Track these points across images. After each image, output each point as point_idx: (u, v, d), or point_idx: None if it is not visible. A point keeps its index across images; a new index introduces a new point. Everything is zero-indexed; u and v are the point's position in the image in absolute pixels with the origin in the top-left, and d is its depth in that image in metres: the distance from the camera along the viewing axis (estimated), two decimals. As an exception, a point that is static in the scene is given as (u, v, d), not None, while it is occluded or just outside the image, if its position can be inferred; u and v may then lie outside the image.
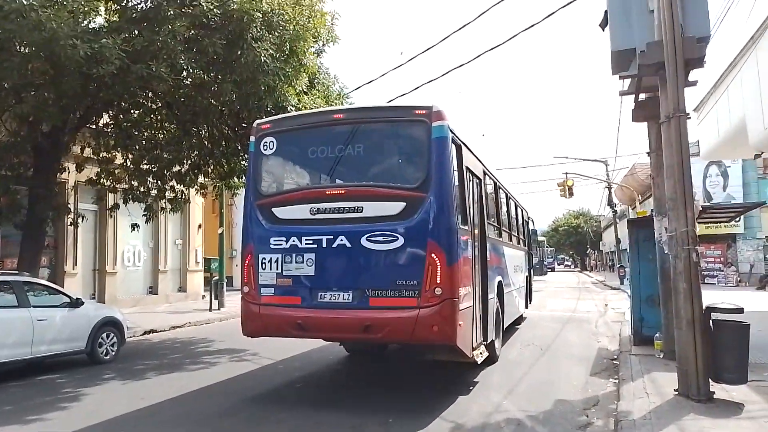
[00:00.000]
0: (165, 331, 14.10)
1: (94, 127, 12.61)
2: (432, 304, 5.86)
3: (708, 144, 17.12)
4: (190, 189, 15.16)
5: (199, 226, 22.35)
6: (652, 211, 8.96)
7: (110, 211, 15.87)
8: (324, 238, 6.24)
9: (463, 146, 6.93)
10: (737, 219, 24.13)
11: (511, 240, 11.47)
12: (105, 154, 12.83)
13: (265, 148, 6.76)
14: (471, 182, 7.53)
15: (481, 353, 7.30)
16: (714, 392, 5.96)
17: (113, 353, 9.63)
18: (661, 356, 8.35)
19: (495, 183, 9.95)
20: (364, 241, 6.09)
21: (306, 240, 6.31)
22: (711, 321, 6.09)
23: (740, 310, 6.03)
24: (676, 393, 6.16)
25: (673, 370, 6.83)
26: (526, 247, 14.67)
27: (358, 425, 5.57)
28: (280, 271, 6.41)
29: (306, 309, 6.27)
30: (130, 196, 13.64)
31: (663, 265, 8.16)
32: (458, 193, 6.63)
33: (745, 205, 12.89)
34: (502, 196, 11.03)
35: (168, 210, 15.06)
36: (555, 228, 75.90)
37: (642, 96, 8.66)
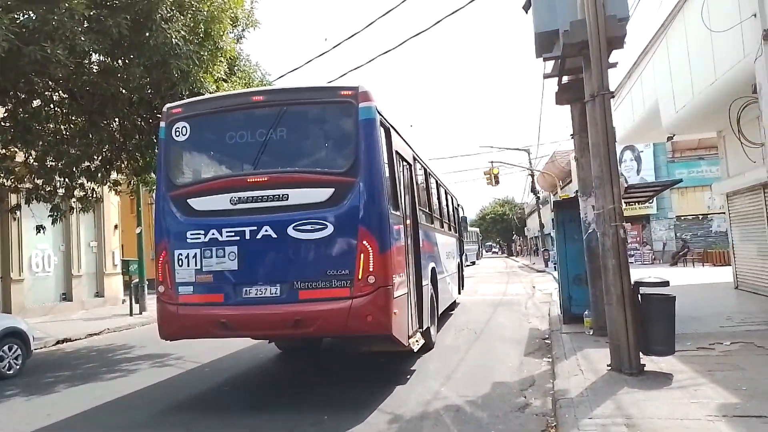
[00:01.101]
0: (80, 339, 13.07)
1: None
2: (365, 293, 5.61)
3: (624, 129, 17.87)
4: (103, 187, 14.12)
5: (116, 227, 21.00)
6: (576, 192, 9.13)
7: (11, 213, 14.53)
8: (247, 229, 5.82)
9: (392, 129, 6.70)
10: (651, 201, 25.55)
11: (442, 227, 11.43)
12: (3, 150, 11.65)
13: (177, 134, 6.23)
14: (401, 167, 7.32)
15: (417, 341, 7.14)
16: (644, 365, 6.08)
17: (17, 367, 8.72)
18: (591, 333, 8.52)
19: (425, 169, 9.82)
20: (290, 231, 5.73)
21: (227, 232, 5.86)
22: (639, 295, 6.20)
23: (666, 284, 6.18)
24: (609, 368, 6.24)
25: (603, 346, 6.95)
26: (457, 234, 14.74)
27: (292, 427, 5.23)
28: (199, 267, 5.93)
29: (230, 306, 5.84)
30: (34, 196, 12.49)
31: (590, 244, 8.32)
32: (389, 177, 6.40)
33: (663, 183, 13.58)
34: (433, 182, 10.93)
35: (78, 210, 13.94)
36: (482, 216, 77.98)
37: (565, 79, 8.77)
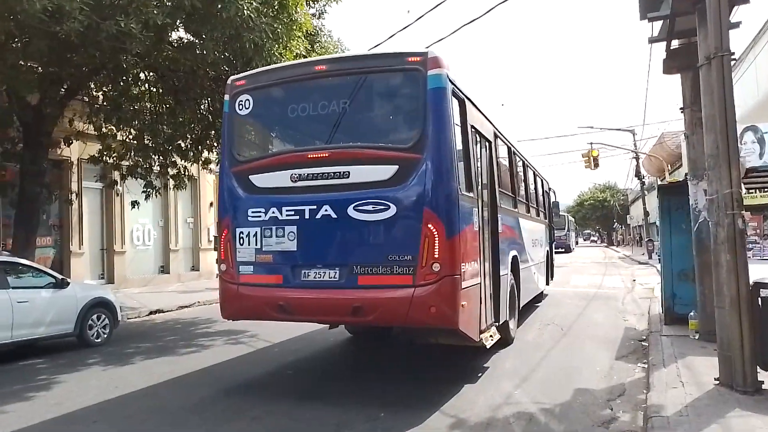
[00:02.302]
0: (171, 311, 13.62)
1: (87, 100, 12.01)
2: (429, 281, 5.08)
3: (745, 105, 15.84)
4: (196, 165, 14.57)
5: (211, 204, 21.83)
6: (686, 175, 7.97)
7: (113, 190, 15.40)
8: (306, 208, 5.47)
9: (467, 101, 6.05)
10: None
11: (528, 212, 10.56)
12: (104, 129, 12.26)
13: (240, 107, 5.98)
14: (478, 144, 6.66)
15: (491, 336, 6.51)
16: (763, 382, 5.09)
17: (105, 336, 9.11)
18: (697, 337, 7.45)
19: (510, 148, 9.03)
20: (351, 211, 5.31)
21: (287, 211, 5.55)
22: (759, 299, 5.18)
23: (795, 286, 5.10)
24: (717, 382, 5.30)
25: (711, 353, 5.98)
26: (546, 220, 13.73)
27: (344, 422, 4.85)
28: (259, 246, 5.68)
29: (288, 289, 5.54)
30: (128, 174, 13.11)
31: (699, 236, 7.21)
32: (461, 155, 5.79)
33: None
34: (519, 163, 10.10)
35: (172, 187, 14.49)
36: (580, 202, 74.09)
37: (675, 44, 7.62)
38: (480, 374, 6.43)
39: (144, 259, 18.78)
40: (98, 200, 17.01)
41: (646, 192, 35.98)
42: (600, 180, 74.01)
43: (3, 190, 10.22)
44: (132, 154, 12.68)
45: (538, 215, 12.08)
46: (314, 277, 5.46)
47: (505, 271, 7.57)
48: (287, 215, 5.54)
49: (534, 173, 12.26)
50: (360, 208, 5.27)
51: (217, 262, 5.99)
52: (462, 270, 5.29)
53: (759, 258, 29.68)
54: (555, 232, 41.71)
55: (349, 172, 5.37)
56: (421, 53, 5.36)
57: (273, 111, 6.13)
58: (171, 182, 13.93)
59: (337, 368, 7.29)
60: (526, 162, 10.94)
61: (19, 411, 5.43)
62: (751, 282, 5.19)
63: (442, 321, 5.21)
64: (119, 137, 12.62)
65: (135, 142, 12.38)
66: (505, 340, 7.77)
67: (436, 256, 5.07)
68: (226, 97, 6.11)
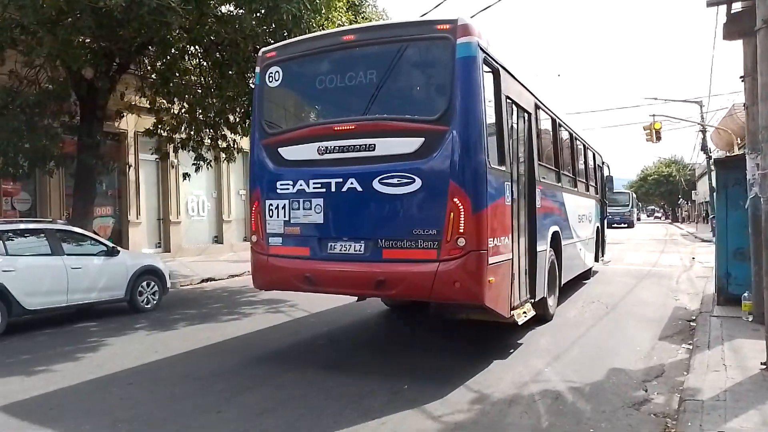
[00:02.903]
0: (222, 279, 14.10)
1: (138, 74, 12.39)
2: (454, 256, 4.98)
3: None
4: (245, 137, 14.85)
5: (262, 177, 22.24)
6: (745, 148, 7.44)
7: (168, 162, 15.92)
8: (333, 181, 5.45)
9: (502, 71, 5.82)
10: None
11: (576, 186, 10.17)
12: (157, 103, 12.64)
13: (270, 79, 5.98)
14: (515, 116, 6.42)
15: (525, 312, 6.36)
16: (813, 369, 4.76)
17: (154, 302, 9.53)
18: (750, 319, 7.03)
19: (554, 120, 8.67)
20: (376, 184, 5.25)
21: (314, 184, 5.55)
22: (814, 281, 4.81)
23: None
24: (764, 367, 5.00)
25: (762, 337, 5.63)
26: (598, 195, 13.21)
27: (367, 393, 4.88)
28: (287, 218, 5.73)
29: (315, 261, 5.59)
30: (180, 146, 13.50)
31: (755, 212, 6.73)
32: (494, 127, 5.60)
33: None
34: (564, 136, 9.70)
35: (223, 160, 14.85)
36: (643, 177, 71.03)
37: (738, 6, 7.05)
38: (512, 350, 6.32)
39: (198, 229, 19.45)
40: (154, 172, 17.65)
41: (713, 167, 34.00)
42: (666, 154, 70.68)
43: (63, 161, 10.74)
44: (184, 127, 13.05)
45: (587, 190, 11.63)
46: (340, 250, 5.47)
47: (544, 246, 7.34)
48: (314, 188, 5.54)
49: (585, 146, 11.77)
50: (385, 181, 5.21)
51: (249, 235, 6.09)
52: (489, 245, 5.16)
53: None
54: (617, 208, 41.22)
55: (374, 145, 5.30)
56: (450, 21, 5.17)
57: (302, 83, 6.10)
58: (222, 155, 14.27)
59: (368, 340, 7.35)
60: (574, 135, 10.50)
61: (64, 371, 5.78)
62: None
63: (467, 296, 5.12)
64: (172, 110, 13.00)
65: (186, 115, 12.73)
66: (543, 317, 7.61)
67: (462, 230, 4.96)
68: (257, 69, 6.13)
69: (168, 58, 10.79)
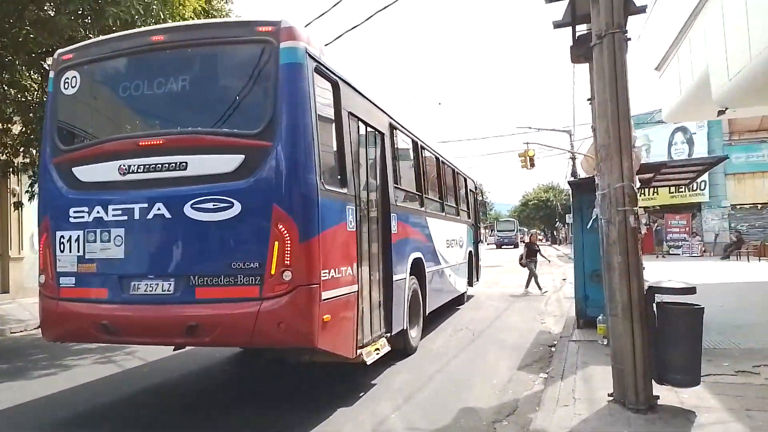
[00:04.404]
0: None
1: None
2: (278, 293, 4.29)
3: (670, 104, 15.81)
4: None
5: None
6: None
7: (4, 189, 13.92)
8: (136, 206, 4.58)
9: (342, 84, 5.30)
10: (692, 185, 23.15)
11: (443, 211, 9.94)
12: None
13: (66, 86, 5.02)
14: (362, 135, 5.94)
15: (377, 350, 5.79)
16: (658, 397, 4.55)
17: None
18: (605, 343, 6.93)
19: (415, 142, 8.35)
20: (188, 210, 4.46)
21: (114, 210, 4.64)
22: (655, 305, 4.65)
23: (691, 290, 4.60)
24: (611, 398, 4.74)
25: (612, 364, 5.43)
26: (470, 219, 13.20)
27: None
28: (81, 253, 4.74)
29: (114, 305, 4.63)
30: (23, 170, 11.76)
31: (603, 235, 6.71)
32: (332, 145, 5.04)
33: (705, 160, 11.51)
34: (429, 160, 9.46)
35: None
36: (525, 202, 75.22)
37: (581, 29, 7.12)
38: (362, 393, 5.69)
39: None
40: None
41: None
42: (544, 181, 75.50)
43: None
44: (24, 149, 11.33)
45: (457, 214, 11.50)
46: (145, 291, 4.57)
47: (403, 275, 6.88)
48: (114, 215, 4.63)
49: (454, 171, 11.68)
50: (199, 206, 4.43)
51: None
52: (323, 278, 4.53)
53: (688, 255, 30.28)
54: (506, 233, 53.66)
55: (186, 163, 4.51)
56: (273, 22, 4.56)
57: (103, 90, 5.17)
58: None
59: (201, 391, 6.27)
60: (441, 159, 10.31)
61: None
62: (645, 286, 4.66)
63: (295, 339, 4.43)
64: (11, 131, 11.26)
65: (29, 135, 11.05)
66: (405, 350, 7.12)
67: (287, 262, 4.29)
68: (51, 73, 5.14)
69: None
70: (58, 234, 4.82)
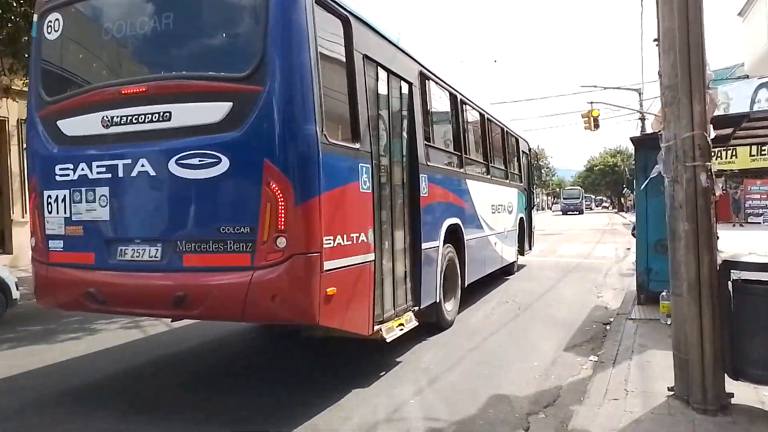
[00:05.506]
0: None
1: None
2: (272, 262, 3.72)
3: (754, 54, 14.09)
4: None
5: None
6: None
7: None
8: (120, 163, 4.10)
9: (355, 21, 4.58)
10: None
11: (488, 173, 9.10)
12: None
13: (50, 29, 4.55)
14: (383, 83, 5.22)
15: (401, 325, 5.19)
16: (732, 395, 3.73)
17: (-5, 318, 7.92)
18: (668, 323, 6.02)
19: (454, 96, 7.52)
20: (172, 166, 3.93)
21: (97, 167, 4.19)
22: (730, 283, 3.76)
23: (779, 265, 3.69)
24: (671, 393, 3.95)
25: (676, 348, 4.60)
26: (522, 183, 12.23)
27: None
28: (68, 215, 4.34)
29: (101, 271, 4.22)
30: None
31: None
32: (341, 91, 4.37)
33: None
34: (472, 117, 8.61)
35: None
36: (590, 168, 71.97)
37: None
38: (384, 372, 5.12)
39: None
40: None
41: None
42: (611, 145, 71.89)
43: None
44: None
45: (506, 178, 10.60)
46: (132, 256, 4.12)
47: (434, 243, 6.21)
48: (98, 172, 4.18)
49: (504, 131, 10.74)
50: (184, 161, 3.89)
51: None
52: (326, 246, 3.92)
53: (769, 225, 27.61)
54: (571, 200, 57.31)
55: (170, 113, 3.96)
56: None
57: (86, 33, 4.66)
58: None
59: (215, 365, 5.87)
60: (488, 116, 9.41)
61: None
62: (719, 260, 3.78)
63: (292, 314, 3.87)
64: None
65: None
66: (437, 325, 6.50)
67: (281, 227, 3.70)
68: (35, 17, 4.68)
69: (10, 25, 9.01)
70: (46, 194, 4.44)
